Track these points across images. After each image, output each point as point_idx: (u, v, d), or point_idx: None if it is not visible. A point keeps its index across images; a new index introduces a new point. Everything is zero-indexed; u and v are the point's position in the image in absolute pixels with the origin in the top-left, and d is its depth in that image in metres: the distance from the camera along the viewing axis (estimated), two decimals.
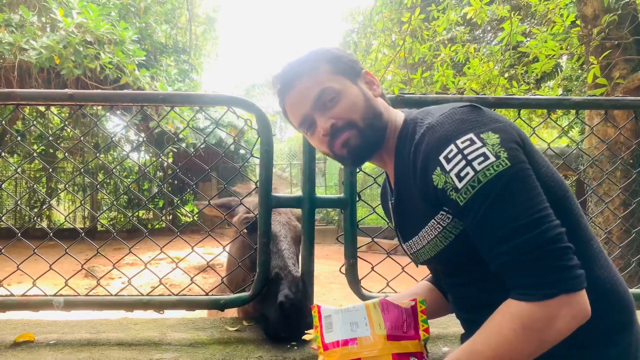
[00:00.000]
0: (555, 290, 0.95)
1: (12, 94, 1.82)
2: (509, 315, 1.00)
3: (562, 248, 0.97)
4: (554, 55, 4.99)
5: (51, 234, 1.90)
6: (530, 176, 1.02)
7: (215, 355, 1.67)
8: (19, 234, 1.91)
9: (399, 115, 1.28)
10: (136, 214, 15.20)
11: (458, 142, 1.03)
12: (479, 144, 1.02)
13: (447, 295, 1.41)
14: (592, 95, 2.62)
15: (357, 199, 1.96)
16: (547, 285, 0.96)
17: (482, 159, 1.00)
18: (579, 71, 9.42)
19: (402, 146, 1.21)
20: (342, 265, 1.99)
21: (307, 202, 1.90)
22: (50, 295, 1.85)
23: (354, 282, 1.96)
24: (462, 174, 1.02)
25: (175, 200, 12.59)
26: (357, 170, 1.98)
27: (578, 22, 4.89)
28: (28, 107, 12.57)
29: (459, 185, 1.02)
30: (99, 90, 1.77)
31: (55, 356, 1.65)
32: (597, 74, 4.08)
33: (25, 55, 8.38)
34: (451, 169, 1.03)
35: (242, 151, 13.97)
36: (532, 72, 5.30)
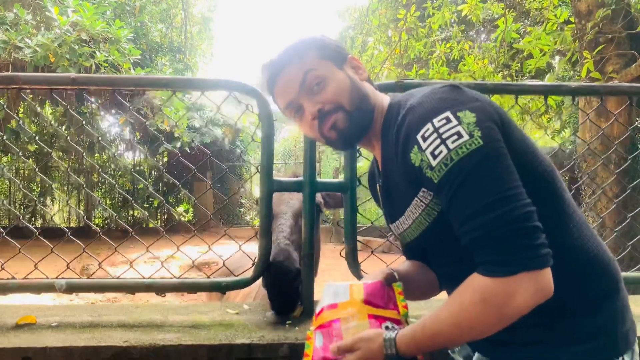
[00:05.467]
0: (516, 268, 0.97)
1: (15, 78, 1.83)
2: (471, 288, 1.02)
3: (528, 227, 0.98)
4: (549, 50, 5.04)
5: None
6: (503, 155, 1.03)
7: (217, 335, 1.69)
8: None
9: (385, 99, 1.30)
10: (131, 213, 15.16)
11: (435, 120, 1.05)
12: (454, 122, 1.03)
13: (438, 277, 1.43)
14: (589, 82, 2.65)
15: (358, 183, 1.98)
16: (510, 263, 0.97)
17: (456, 137, 1.02)
18: (571, 72, 9.50)
19: (387, 128, 1.23)
20: (342, 250, 2.01)
21: (308, 186, 1.92)
22: (52, 279, 1.86)
23: (354, 265, 1.98)
24: (436, 152, 1.03)
25: (170, 199, 12.61)
26: (358, 155, 2.00)
27: (572, 19, 4.93)
28: (22, 107, 12.50)
29: (434, 163, 1.04)
30: (102, 75, 1.79)
31: (58, 337, 1.66)
32: (591, 69, 4.13)
33: (19, 54, 8.33)
34: (427, 147, 1.05)
35: (237, 150, 13.96)
36: (527, 68, 5.36)
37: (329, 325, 1.22)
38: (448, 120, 1.04)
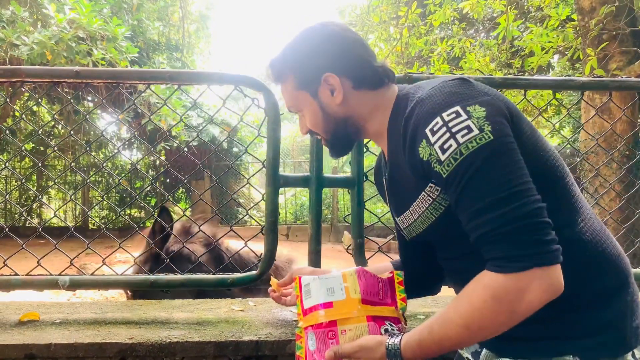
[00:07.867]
0: (528, 264, 0.96)
1: (18, 71, 1.80)
2: (481, 286, 1.01)
3: (538, 222, 0.97)
4: (551, 47, 5.03)
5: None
6: (513, 150, 1.02)
7: (223, 332, 1.66)
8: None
9: (392, 92, 1.28)
10: (128, 212, 15.11)
11: (444, 114, 1.03)
12: (464, 116, 1.02)
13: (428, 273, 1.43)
14: (597, 76, 2.64)
15: (364, 178, 1.96)
16: (521, 258, 0.96)
17: (465, 131, 1.01)
18: (571, 71, 9.51)
19: (395, 121, 1.21)
20: (349, 246, 1.99)
21: (315, 181, 1.90)
22: (55, 275, 1.83)
23: (361, 262, 1.96)
24: (445, 147, 1.02)
25: (168, 197, 12.56)
26: (365, 150, 1.98)
27: (574, 16, 4.93)
28: (18, 104, 12.43)
29: (442, 158, 1.03)
30: (105, 68, 1.75)
31: (62, 333, 1.63)
32: (595, 66, 4.13)
33: (16, 51, 8.27)
34: (435, 142, 1.03)
35: (235, 149, 13.92)
36: (529, 66, 5.35)
37: (324, 327, 1.17)
38: (458, 115, 1.03)
